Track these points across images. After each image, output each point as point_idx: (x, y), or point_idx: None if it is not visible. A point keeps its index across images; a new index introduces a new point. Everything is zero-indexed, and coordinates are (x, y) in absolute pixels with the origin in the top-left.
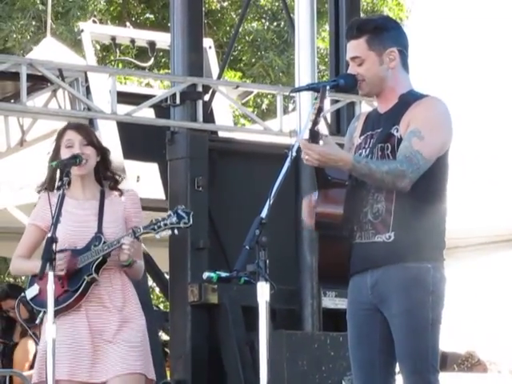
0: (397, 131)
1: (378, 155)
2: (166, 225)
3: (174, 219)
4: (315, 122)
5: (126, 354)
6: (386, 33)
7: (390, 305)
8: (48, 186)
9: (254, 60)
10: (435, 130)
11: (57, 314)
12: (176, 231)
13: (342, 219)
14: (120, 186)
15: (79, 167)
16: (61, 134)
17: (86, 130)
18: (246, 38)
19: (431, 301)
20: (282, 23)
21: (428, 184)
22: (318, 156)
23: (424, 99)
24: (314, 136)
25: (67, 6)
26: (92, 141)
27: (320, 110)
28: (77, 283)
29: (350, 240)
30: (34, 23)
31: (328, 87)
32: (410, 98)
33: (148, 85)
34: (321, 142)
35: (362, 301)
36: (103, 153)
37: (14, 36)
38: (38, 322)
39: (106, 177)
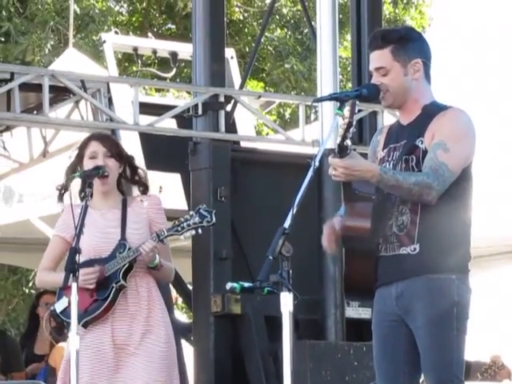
0: (421, 143)
1: (402, 167)
2: (189, 225)
3: (197, 219)
4: (344, 137)
5: (149, 365)
6: (410, 44)
7: (415, 316)
8: (65, 193)
9: (275, 67)
10: (460, 141)
11: (88, 324)
12: (200, 230)
13: (370, 233)
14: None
15: (104, 183)
16: (85, 143)
17: (110, 141)
18: (269, 47)
19: (456, 312)
20: (304, 31)
21: (453, 195)
22: (344, 170)
23: (448, 110)
24: (343, 150)
25: (86, 20)
26: (116, 152)
27: (350, 124)
28: (105, 292)
29: (375, 253)
30: (52, 36)
31: (356, 100)
32: (433, 109)
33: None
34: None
35: (387, 312)
36: (129, 161)
37: (33, 50)
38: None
39: (134, 182)
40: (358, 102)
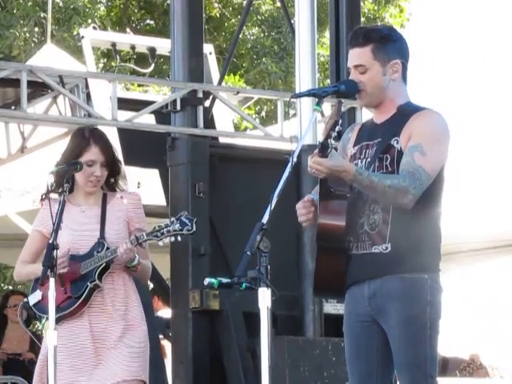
0: (397, 143)
1: (375, 166)
2: (169, 231)
3: (177, 226)
4: (328, 135)
5: (128, 360)
6: (391, 44)
7: (388, 316)
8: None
9: (252, 66)
10: (437, 144)
11: (59, 320)
12: (179, 238)
13: (344, 231)
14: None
15: (93, 186)
16: (85, 145)
17: (109, 149)
18: (247, 44)
19: (429, 311)
20: (283, 30)
21: (425, 196)
22: (328, 170)
23: (424, 112)
24: (325, 148)
25: (69, 13)
26: (111, 160)
27: (336, 123)
28: (80, 290)
29: (347, 251)
30: (36, 30)
31: (342, 100)
32: (408, 110)
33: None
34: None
35: (359, 312)
36: (116, 165)
37: (18, 44)
38: (41, 327)
39: (107, 183)
40: (330, 96)
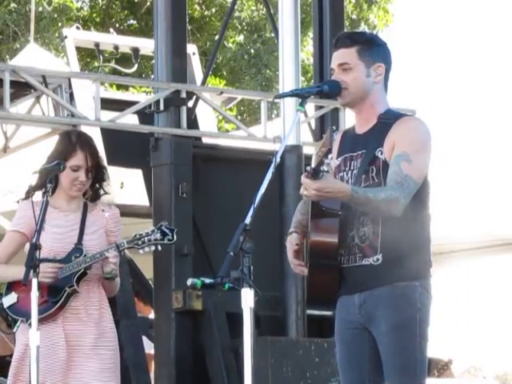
0: (381, 153)
1: (362, 178)
2: (149, 241)
3: (158, 235)
4: (320, 163)
5: (100, 371)
6: (376, 47)
7: (379, 323)
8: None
9: (231, 77)
10: (421, 151)
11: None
12: (159, 247)
13: (336, 248)
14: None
15: (78, 190)
16: (72, 149)
17: (94, 154)
18: (227, 54)
19: (419, 318)
20: (264, 39)
21: (413, 204)
22: (315, 192)
23: (405, 119)
24: (316, 174)
25: (50, 13)
26: (95, 166)
27: (329, 152)
28: (57, 294)
29: (338, 266)
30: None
31: (334, 128)
32: (389, 119)
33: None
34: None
35: (349, 320)
36: (100, 171)
37: None
38: (14, 330)
39: (92, 187)
40: (314, 97)
